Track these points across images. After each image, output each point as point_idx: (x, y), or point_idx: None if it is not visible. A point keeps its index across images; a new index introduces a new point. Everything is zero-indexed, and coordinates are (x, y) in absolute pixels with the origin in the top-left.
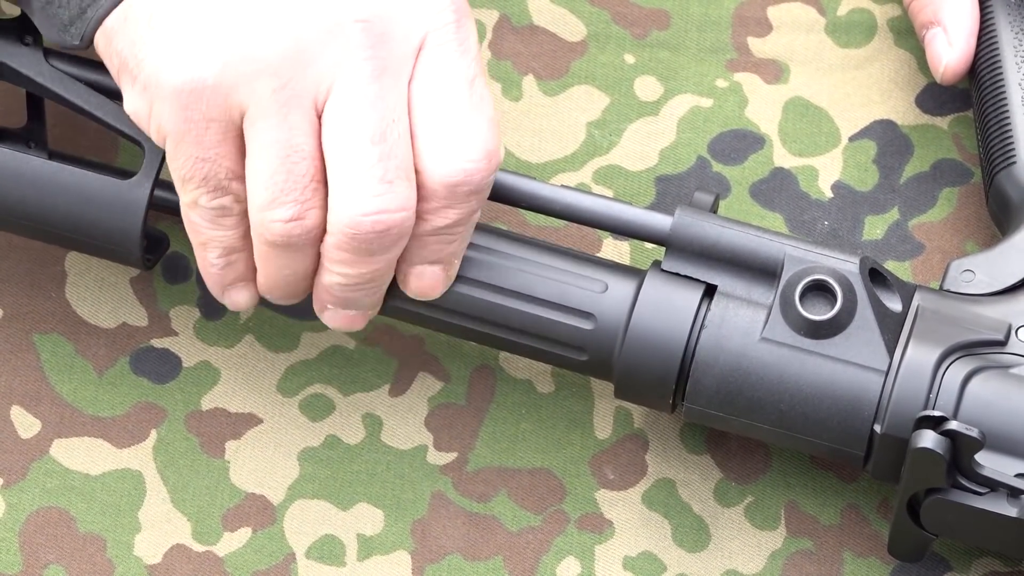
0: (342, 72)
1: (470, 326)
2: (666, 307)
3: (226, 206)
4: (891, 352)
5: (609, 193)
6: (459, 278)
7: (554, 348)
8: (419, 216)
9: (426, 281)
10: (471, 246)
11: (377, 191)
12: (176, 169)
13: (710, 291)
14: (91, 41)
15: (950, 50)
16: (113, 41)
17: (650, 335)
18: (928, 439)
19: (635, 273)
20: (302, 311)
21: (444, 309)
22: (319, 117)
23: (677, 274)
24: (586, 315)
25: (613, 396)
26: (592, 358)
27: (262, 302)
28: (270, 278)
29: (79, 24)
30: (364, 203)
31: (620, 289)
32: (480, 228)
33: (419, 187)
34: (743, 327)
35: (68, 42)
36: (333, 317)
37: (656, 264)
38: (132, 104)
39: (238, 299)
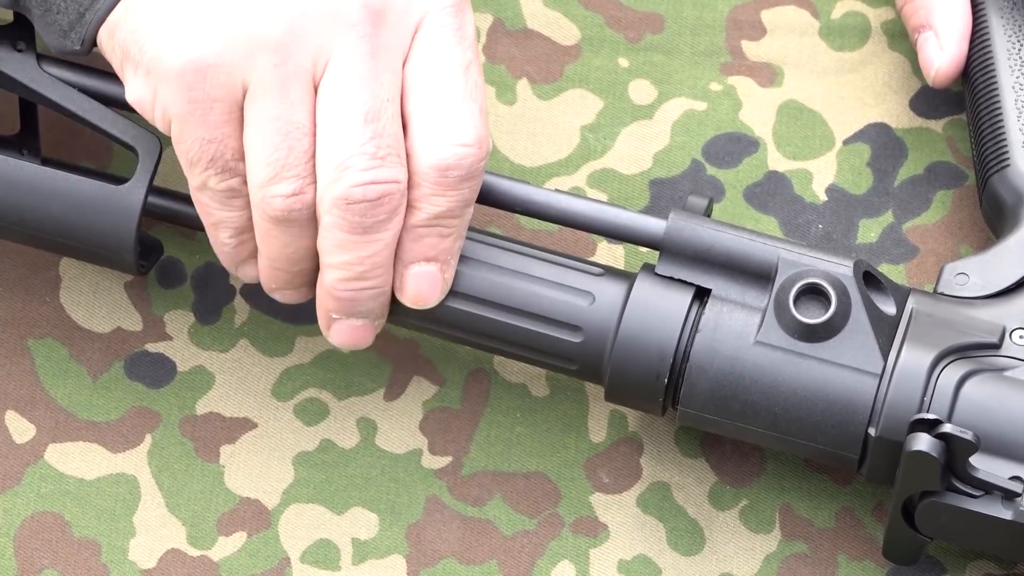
0: (339, 49)
1: (458, 336)
2: (656, 312)
3: (234, 188)
4: (885, 355)
5: (603, 197)
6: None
7: (543, 358)
8: (411, 204)
9: (423, 285)
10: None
11: (369, 165)
12: (183, 152)
13: (700, 294)
14: (92, 45)
15: (941, 54)
16: (116, 34)
17: (639, 342)
18: (923, 442)
19: (625, 277)
20: (297, 315)
21: (432, 319)
22: (316, 92)
23: (668, 277)
24: (574, 328)
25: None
26: (582, 367)
27: (259, 306)
28: (273, 259)
29: (79, 29)
30: (356, 175)
31: (609, 297)
32: (467, 236)
33: (411, 172)
34: (737, 331)
35: (69, 47)
36: (340, 331)
37: (646, 268)
38: (136, 92)
39: (251, 273)
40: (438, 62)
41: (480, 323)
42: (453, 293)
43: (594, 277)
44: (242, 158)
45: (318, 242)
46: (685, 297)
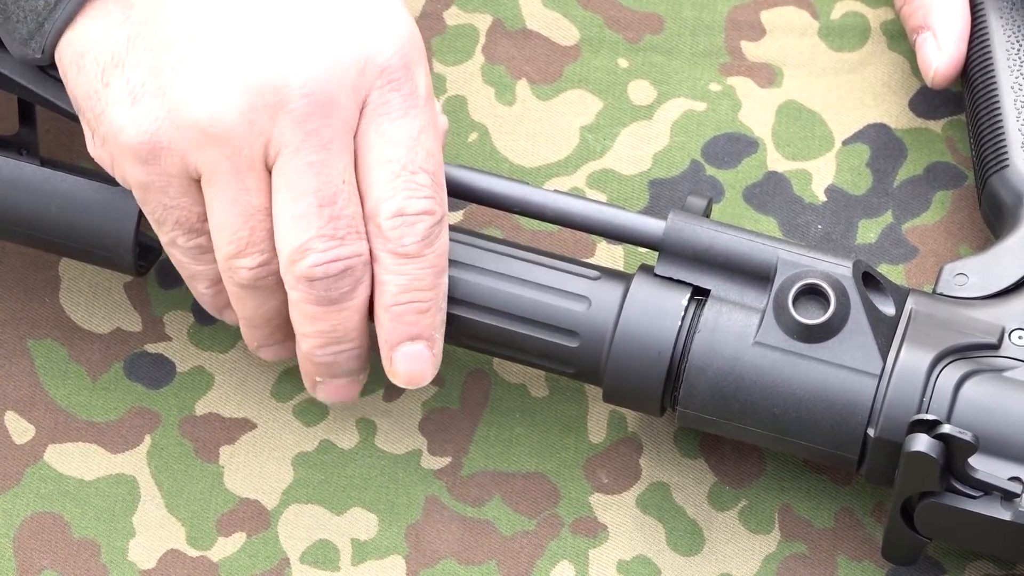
0: (289, 142)
1: (454, 341)
2: (652, 314)
3: (203, 245)
4: (884, 356)
5: (603, 197)
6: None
7: (540, 362)
8: (379, 280)
9: (415, 365)
10: (454, 263)
11: (328, 246)
12: (148, 213)
13: (697, 294)
14: (52, 54)
15: (939, 54)
16: (69, 82)
17: (637, 344)
18: (922, 443)
19: (622, 279)
20: None
21: None
22: (270, 174)
23: (665, 278)
24: (570, 333)
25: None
26: (579, 371)
27: None
28: (248, 318)
29: (38, 38)
30: (318, 256)
31: (605, 301)
32: (462, 240)
33: (370, 245)
34: (736, 331)
35: (30, 56)
36: (326, 391)
37: (643, 269)
38: (95, 151)
39: (233, 318)
40: (386, 138)
41: (476, 329)
42: (450, 299)
43: (591, 281)
44: (207, 220)
45: (289, 312)
46: (682, 297)
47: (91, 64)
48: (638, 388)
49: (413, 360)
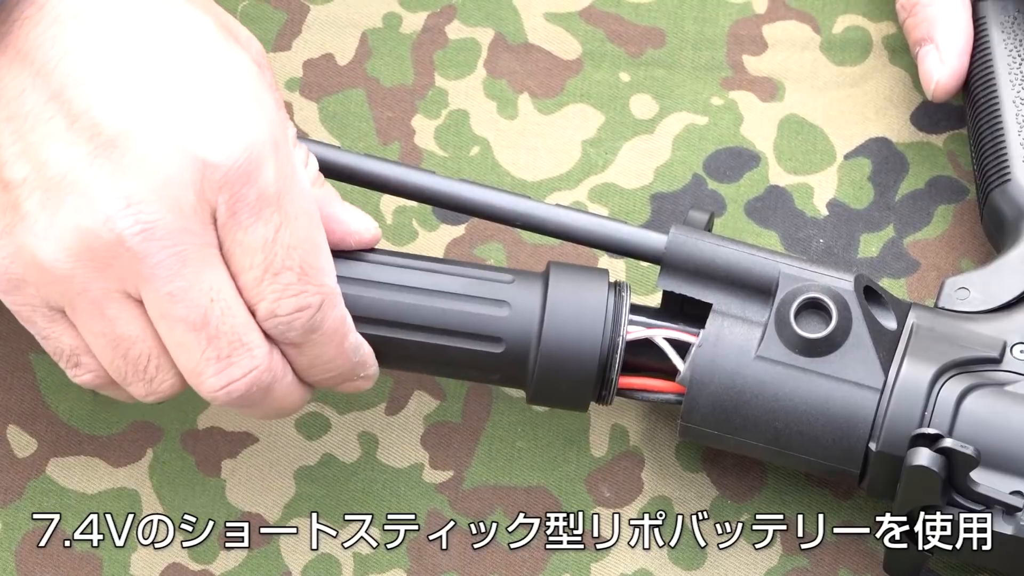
0: (140, 275)
1: (383, 364)
2: (577, 308)
3: (90, 367)
4: (886, 370)
5: (604, 211)
6: (357, 319)
7: (467, 372)
8: (288, 359)
9: (356, 387)
10: (371, 283)
11: (216, 369)
12: (35, 336)
13: (615, 286)
14: None
15: (941, 67)
16: None
17: (566, 342)
18: (923, 457)
19: (537, 278)
20: None
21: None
22: (140, 301)
23: (581, 269)
24: (495, 340)
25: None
26: (505, 376)
27: None
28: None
29: None
30: (211, 382)
31: (525, 302)
32: (375, 260)
33: (264, 327)
34: (738, 345)
35: None
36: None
37: (554, 265)
38: None
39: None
40: (243, 247)
41: (401, 347)
42: (364, 320)
43: (507, 285)
44: (84, 351)
45: None
46: (602, 287)
47: None
48: (571, 384)
49: (353, 388)
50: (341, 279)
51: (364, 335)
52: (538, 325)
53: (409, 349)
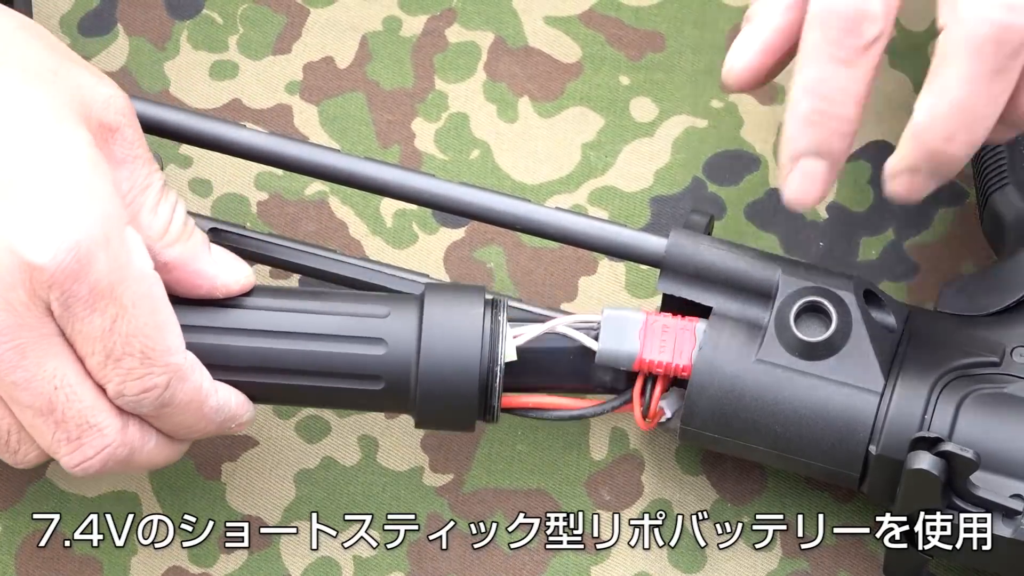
0: None
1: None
2: (453, 334)
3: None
4: (886, 373)
5: (604, 214)
6: (229, 368)
7: (350, 406)
8: (154, 425)
9: (232, 433)
10: (245, 332)
11: (68, 450)
12: None
13: (491, 304)
14: None
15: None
16: None
17: (445, 370)
18: (923, 460)
19: (412, 306)
20: None
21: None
22: None
23: (456, 288)
24: (374, 378)
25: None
26: (387, 407)
27: None
28: None
29: None
30: (66, 460)
31: (402, 336)
32: (247, 305)
33: (117, 403)
34: (738, 348)
35: None
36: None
37: (430, 288)
38: None
39: None
40: (82, 336)
41: (281, 392)
42: (236, 368)
43: (382, 320)
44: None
45: None
46: (476, 307)
47: None
48: (454, 411)
49: (233, 433)
50: (210, 330)
51: (238, 382)
52: (415, 357)
53: (287, 392)
